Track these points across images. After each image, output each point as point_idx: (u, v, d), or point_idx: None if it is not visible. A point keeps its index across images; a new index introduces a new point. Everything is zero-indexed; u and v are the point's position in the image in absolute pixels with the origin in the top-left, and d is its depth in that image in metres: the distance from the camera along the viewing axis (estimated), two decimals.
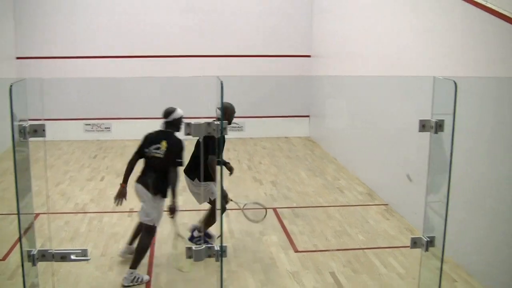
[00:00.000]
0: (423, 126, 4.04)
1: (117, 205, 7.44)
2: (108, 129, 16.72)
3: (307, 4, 16.82)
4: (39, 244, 7.86)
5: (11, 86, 3.34)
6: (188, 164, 7.90)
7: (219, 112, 3.95)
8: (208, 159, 7.68)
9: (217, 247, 3.70)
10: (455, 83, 3.84)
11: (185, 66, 16.39)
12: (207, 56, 16.51)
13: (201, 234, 8.29)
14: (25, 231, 3.75)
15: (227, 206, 8.45)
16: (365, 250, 8.22)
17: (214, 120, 3.57)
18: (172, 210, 7.40)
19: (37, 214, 9.19)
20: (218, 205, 7.61)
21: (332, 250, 8.22)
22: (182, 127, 6.52)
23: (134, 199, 7.65)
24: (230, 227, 9.09)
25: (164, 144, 7.35)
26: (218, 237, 7.64)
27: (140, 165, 7.52)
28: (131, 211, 9.47)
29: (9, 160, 9.75)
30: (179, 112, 7.55)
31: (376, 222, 9.50)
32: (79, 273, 7.34)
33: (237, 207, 8.52)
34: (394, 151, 10.20)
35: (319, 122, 16.39)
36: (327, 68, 15.51)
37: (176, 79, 15.93)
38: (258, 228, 9.08)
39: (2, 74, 15.19)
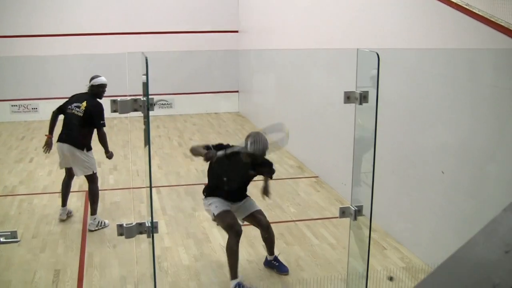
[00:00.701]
0: (348, 97, 4.11)
1: (45, 152, 8.46)
2: (35, 110, 16.41)
3: None
4: None
5: None
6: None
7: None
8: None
9: (148, 224, 3.72)
10: (378, 55, 3.92)
11: (111, 44, 16.18)
12: (133, 33, 16.32)
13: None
14: None
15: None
16: (296, 222, 8.34)
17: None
18: (110, 157, 8.41)
19: None
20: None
21: None
22: (103, 94, 8.19)
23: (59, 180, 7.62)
24: (162, 203, 9.10)
25: (84, 104, 8.10)
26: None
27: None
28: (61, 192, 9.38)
29: None
30: (102, 79, 8.30)
31: (307, 194, 9.64)
32: (10, 256, 7.24)
33: (167, 184, 8.49)
34: (322, 124, 10.34)
35: (248, 97, 16.45)
36: (255, 43, 15.54)
37: (100, 56, 15.73)
38: (190, 204, 9.12)
39: None
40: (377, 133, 4.14)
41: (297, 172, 10.97)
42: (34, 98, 16.28)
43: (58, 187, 8.97)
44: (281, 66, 12.85)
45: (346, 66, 8.78)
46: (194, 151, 6.68)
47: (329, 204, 9.14)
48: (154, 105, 3.46)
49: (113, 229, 8.00)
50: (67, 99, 8.50)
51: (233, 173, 6.72)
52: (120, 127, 14.70)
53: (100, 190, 8.56)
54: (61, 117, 8.44)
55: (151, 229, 3.70)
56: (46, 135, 8.47)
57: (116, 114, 3.47)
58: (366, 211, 4.33)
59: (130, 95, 3.48)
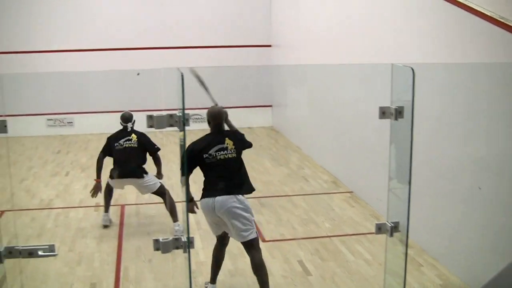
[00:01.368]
0: (383, 113, 4.09)
1: (93, 197, 8.69)
2: (71, 124, 16.60)
3: None
4: (5, 242, 7.83)
5: None
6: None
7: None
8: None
9: (184, 239, 3.73)
10: (413, 70, 3.90)
11: (145, 59, 16.32)
12: (166, 48, 16.44)
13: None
14: None
15: None
16: (331, 238, 8.29)
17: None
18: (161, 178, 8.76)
19: (2, 212, 9.14)
20: None
21: (299, 238, 8.28)
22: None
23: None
24: (197, 218, 9.10)
25: (134, 136, 8.59)
26: None
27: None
28: (97, 206, 9.45)
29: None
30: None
31: (342, 210, 9.59)
32: (47, 270, 7.31)
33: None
34: (357, 138, 10.29)
35: (282, 112, 16.45)
36: (288, 58, 15.54)
37: (135, 72, 15.84)
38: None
39: None
40: (412, 148, 4.11)
41: (332, 187, 10.93)
42: (70, 112, 16.46)
43: (94, 201, 9.09)
44: (315, 81, 12.82)
45: (380, 81, 8.74)
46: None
47: (364, 219, 9.08)
48: (189, 120, 3.47)
49: (148, 243, 8.03)
50: (111, 137, 8.72)
51: None
52: (154, 141, 14.74)
53: (135, 204, 8.64)
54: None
55: (187, 245, 3.70)
56: (95, 180, 8.69)
57: (151, 129, 3.49)
58: (402, 227, 4.29)
59: (166, 110, 3.50)
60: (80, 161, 13.06)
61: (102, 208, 9.11)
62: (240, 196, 6.38)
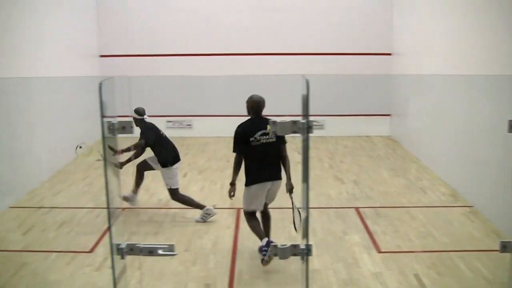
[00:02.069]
0: None
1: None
2: (189, 126, 16.94)
3: (388, 0, 16.59)
4: (126, 238, 8.05)
5: (100, 84, 3.41)
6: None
7: None
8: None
9: (302, 246, 3.69)
10: None
11: (264, 64, 16.46)
12: (286, 54, 16.52)
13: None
14: (113, 224, 3.82)
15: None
16: (449, 253, 8.04)
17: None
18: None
19: (123, 209, 9.39)
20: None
21: (416, 251, 8.08)
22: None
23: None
24: (312, 225, 9.06)
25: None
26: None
27: None
28: (213, 207, 9.57)
29: (94, 155, 10.01)
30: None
31: (461, 224, 9.29)
32: (163, 267, 7.46)
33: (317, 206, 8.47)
34: (480, 151, 9.96)
35: (401, 121, 16.16)
36: (408, 66, 15.26)
37: (255, 78, 15.98)
38: (340, 227, 9.04)
39: (86, 72, 15.57)
40: None
41: (450, 200, 10.62)
42: (189, 115, 16.79)
43: (210, 203, 9.26)
44: (438, 91, 12.52)
45: (509, 93, 8.45)
46: None
47: (485, 236, 8.74)
48: (312, 127, 3.44)
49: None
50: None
51: None
52: None
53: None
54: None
55: (306, 252, 3.66)
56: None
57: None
58: None
59: (288, 115, 3.48)
60: (197, 163, 13.28)
61: (218, 211, 9.30)
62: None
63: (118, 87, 3.91)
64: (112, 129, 3.51)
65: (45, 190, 11.26)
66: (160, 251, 3.73)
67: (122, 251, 3.72)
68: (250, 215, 7.81)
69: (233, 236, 8.72)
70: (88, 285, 7.11)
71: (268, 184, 7.64)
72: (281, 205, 8.36)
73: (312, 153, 14.35)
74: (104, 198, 3.69)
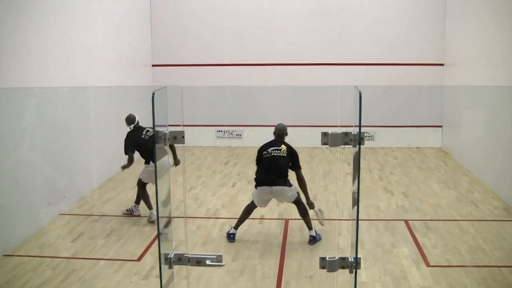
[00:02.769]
0: None
1: None
2: (239, 136, 16.97)
3: (440, 9, 16.40)
4: (174, 247, 8.08)
5: (153, 93, 3.43)
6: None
7: None
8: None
9: (351, 259, 3.66)
10: None
11: (316, 75, 16.41)
12: (338, 64, 16.45)
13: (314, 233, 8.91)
14: (162, 233, 3.84)
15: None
16: (501, 268, 7.88)
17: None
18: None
19: (171, 218, 9.43)
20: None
21: (466, 266, 7.94)
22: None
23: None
24: (361, 237, 8.99)
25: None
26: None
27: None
28: (261, 218, 9.58)
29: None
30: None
31: None
32: (210, 277, 7.47)
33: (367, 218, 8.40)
34: None
35: (453, 133, 15.94)
36: (461, 77, 15.06)
37: (307, 88, 15.97)
38: (389, 239, 8.95)
39: (139, 81, 15.76)
40: None
41: (503, 214, 10.42)
42: (239, 124, 16.83)
43: (258, 213, 9.29)
44: (489, 102, 12.33)
45: None
46: None
47: None
48: (364, 139, 3.41)
49: (311, 259, 8.03)
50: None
51: None
52: (321, 157, 14.81)
53: (299, 219, 8.72)
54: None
55: (354, 265, 3.63)
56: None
57: (317, 143, 3.47)
58: None
59: (339, 126, 3.46)
60: (247, 173, 13.29)
61: (267, 221, 9.31)
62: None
63: (170, 96, 3.94)
64: (164, 139, 3.53)
65: (95, 197, 11.40)
66: (208, 262, 3.73)
67: (170, 261, 3.74)
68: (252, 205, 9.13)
69: (281, 247, 8.68)
70: None
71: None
72: (329, 216, 8.30)
73: (361, 164, 14.24)
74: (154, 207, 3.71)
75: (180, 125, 3.78)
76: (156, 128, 3.54)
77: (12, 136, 8.90)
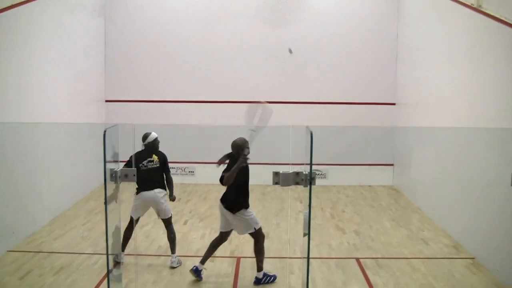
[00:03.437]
0: None
1: None
2: (192, 173, 16.91)
3: (392, 50, 16.71)
4: (124, 284, 7.99)
5: (105, 131, 3.42)
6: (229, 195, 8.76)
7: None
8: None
9: None
10: None
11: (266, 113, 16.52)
12: (290, 102, 16.57)
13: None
14: (111, 272, 3.80)
15: None
16: None
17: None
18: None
19: (123, 255, 9.33)
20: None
21: None
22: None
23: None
24: (312, 275, 8.99)
25: (155, 157, 9.63)
26: None
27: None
28: (213, 256, 9.53)
29: (94, 200, 10.03)
30: (154, 134, 10.33)
31: (463, 276, 9.21)
32: None
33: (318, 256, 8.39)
34: (482, 203, 9.93)
35: (404, 171, 16.14)
36: (412, 116, 15.30)
37: (259, 127, 16.04)
38: (340, 277, 8.97)
39: (92, 118, 15.64)
40: None
41: (452, 251, 10.54)
42: (192, 161, 16.79)
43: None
44: (440, 142, 12.52)
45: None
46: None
47: None
48: (315, 178, 3.44)
49: None
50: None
51: None
52: (273, 195, 14.83)
53: (251, 257, 8.67)
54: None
55: None
56: None
57: (269, 181, 3.49)
58: None
59: (291, 164, 3.48)
60: (199, 211, 13.23)
61: (219, 259, 9.25)
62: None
63: (123, 133, 3.93)
64: (115, 177, 3.52)
65: (45, 234, 11.20)
66: None
67: None
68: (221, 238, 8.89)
69: (232, 285, 8.64)
70: None
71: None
72: (281, 254, 8.30)
73: (313, 202, 14.25)
74: (104, 244, 3.68)
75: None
76: (107, 165, 3.53)
77: None
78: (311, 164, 3.32)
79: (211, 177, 16.07)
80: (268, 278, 8.61)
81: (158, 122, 16.46)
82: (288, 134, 13.26)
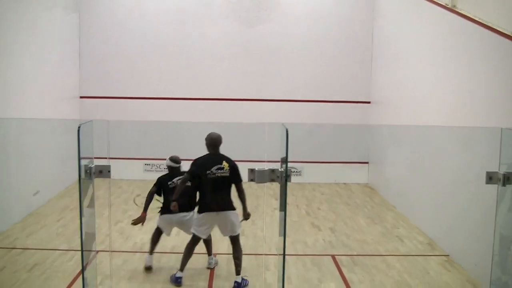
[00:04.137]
0: (490, 178, 3.95)
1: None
2: (165, 169, 16.84)
3: (367, 48, 16.79)
4: (99, 281, 7.94)
5: (79, 127, 3.39)
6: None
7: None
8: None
9: None
10: None
11: (243, 111, 16.53)
12: (265, 100, 16.61)
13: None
14: (86, 268, 3.77)
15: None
16: None
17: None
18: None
19: (97, 252, 9.27)
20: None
21: None
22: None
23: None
24: (288, 272, 9.00)
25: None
26: None
27: None
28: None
29: (69, 197, 9.95)
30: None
31: (437, 274, 9.27)
32: None
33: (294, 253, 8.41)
34: (456, 201, 10.00)
35: (379, 169, 16.22)
36: (387, 115, 15.38)
37: (234, 124, 16.03)
38: (316, 275, 8.99)
39: (66, 114, 15.54)
40: None
41: (427, 249, 10.61)
42: (166, 158, 16.74)
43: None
44: (416, 141, 12.59)
45: (487, 145, 8.52)
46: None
47: (461, 286, 8.73)
48: (290, 175, 3.44)
49: None
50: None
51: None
52: (249, 192, 14.79)
53: (225, 254, 8.67)
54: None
55: None
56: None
57: (244, 178, 3.48)
58: None
59: (267, 161, 3.48)
60: None
61: (194, 256, 9.17)
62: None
63: (97, 130, 3.91)
64: (89, 173, 3.49)
65: (18, 231, 11.10)
66: None
67: None
68: (194, 241, 8.58)
69: (208, 282, 8.62)
70: None
71: (214, 214, 8.37)
72: (257, 251, 8.30)
73: (289, 199, 14.29)
74: (78, 240, 3.64)
75: (106, 158, 3.74)
76: (82, 162, 3.49)
77: None
78: (286, 161, 3.32)
79: None
80: (246, 281, 8.55)
81: (133, 118, 16.42)
82: (263, 131, 13.27)
